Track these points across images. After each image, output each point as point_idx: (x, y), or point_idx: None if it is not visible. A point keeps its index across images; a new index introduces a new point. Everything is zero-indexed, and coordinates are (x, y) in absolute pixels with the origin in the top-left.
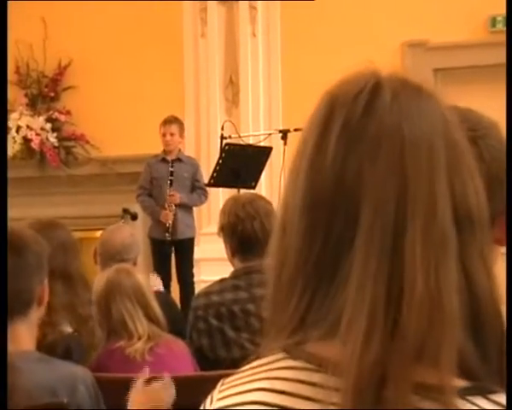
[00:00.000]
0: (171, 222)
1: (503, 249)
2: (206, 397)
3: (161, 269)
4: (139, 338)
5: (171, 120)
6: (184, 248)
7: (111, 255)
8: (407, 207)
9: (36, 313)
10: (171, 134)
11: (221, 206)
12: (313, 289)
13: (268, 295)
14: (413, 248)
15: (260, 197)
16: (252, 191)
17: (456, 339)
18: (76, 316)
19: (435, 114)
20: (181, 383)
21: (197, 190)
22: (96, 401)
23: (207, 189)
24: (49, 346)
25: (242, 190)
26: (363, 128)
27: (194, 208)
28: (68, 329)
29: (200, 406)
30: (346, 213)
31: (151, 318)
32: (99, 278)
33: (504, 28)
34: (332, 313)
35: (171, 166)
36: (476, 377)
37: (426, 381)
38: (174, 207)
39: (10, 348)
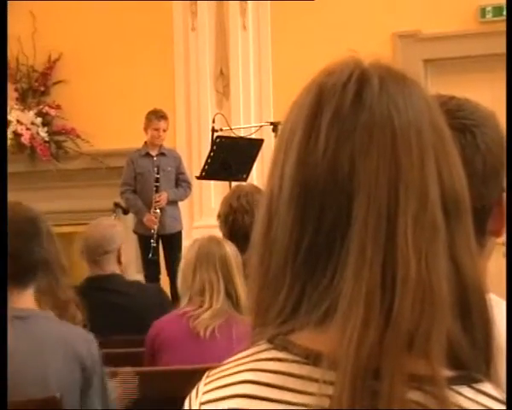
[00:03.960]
0: (155, 227)
1: (499, 240)
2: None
3: (150, 263)
4: (207, 309)
5: (164, 116)
6: (173, 242)
7: (93, 250)
8: (399, 195)
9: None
10: (164, 130)
11: (212, 198)
12: (304, 280)
13: (251, 286)
14: (405, 235)
15: (258, 191)
16: (255, 183)
17: (446, 326)
18: (56, 301)
19: (421, 101)
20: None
21: (181, 183)
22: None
23: (192, 181)
24: None
25: (234, 183)
26: (354, 117)
27: (185, 200)
28: (50, 314)
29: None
30: (338, 204)
31: (231, 295)
32: (189, 247)
33: (494, 19)
34: (325, 303)
35: (156, 163)
36: (464, 366)
37: (417, 372)
38: (158, 211)
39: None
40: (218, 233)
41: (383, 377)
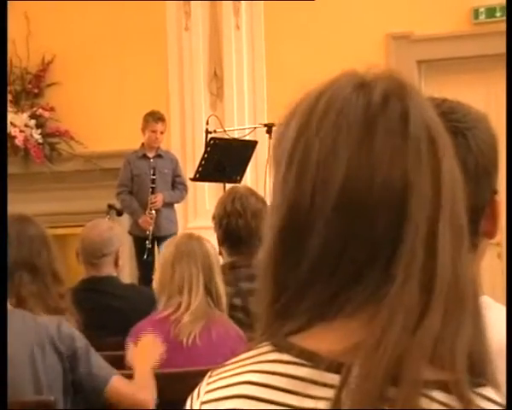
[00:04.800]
0: (151, 228)
1: (492, 241)
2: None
3: (145, 264)
4: (186, 309)
5: (162, 118)
6: None
7: (91, 252)
8: (441, 202)
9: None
10: (161, 132)
11: (207, 200)
12: (338, 286)
13: (263, 295)
14: (444, 242)
15: (253, 194)
16: (249, 186)
17: (469, 333)
18: (46, 307)
19: (423, 109)
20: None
21: (178, 185)
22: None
23: (190, 183)
24: None
25: (228, 185)
26: (403, 133)
27: (180, 203)
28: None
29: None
30: (391, 218)
31: (211, 293)
32: (167, 244)
33: (487, 20)
34: (369, 308)
35: (153, 164)
36: (473, 371)
37: (439, 378)
38: (154, 212)
39: None
40: (213, 234)
41: (402, 382)
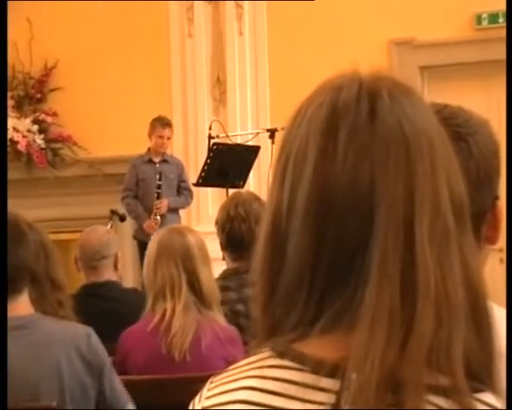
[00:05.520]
0: (155, 234)
1: (494, 246)
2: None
3: None
4: (172, 315)
5: (169, 124)
6: None
7: (91, 256)
8: (415, 204)
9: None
10: (168, 138)
11: (210, 206)
12: (321, 294)
13: (257, 298)
14: (423, 244)
15: (256, 199)
16: (251, 190)
17: (463, 335)
18: (44, 312)
19: (426, 110)
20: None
21: (183, 191)
22: (103, 351)
23: (194, 189)
24: None
25: (231, 190)
26: (370, 131)
27: (185, 208)
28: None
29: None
30: (360, 218)
31: (195, 290)
32: (152, 240)
33: (490, 25)
34: (346, 315)
35: (158, 169)
36: (473, 374)
37: (439, 383)
38: (159, 217)
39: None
40: (216, 240)
41: (403, 389)
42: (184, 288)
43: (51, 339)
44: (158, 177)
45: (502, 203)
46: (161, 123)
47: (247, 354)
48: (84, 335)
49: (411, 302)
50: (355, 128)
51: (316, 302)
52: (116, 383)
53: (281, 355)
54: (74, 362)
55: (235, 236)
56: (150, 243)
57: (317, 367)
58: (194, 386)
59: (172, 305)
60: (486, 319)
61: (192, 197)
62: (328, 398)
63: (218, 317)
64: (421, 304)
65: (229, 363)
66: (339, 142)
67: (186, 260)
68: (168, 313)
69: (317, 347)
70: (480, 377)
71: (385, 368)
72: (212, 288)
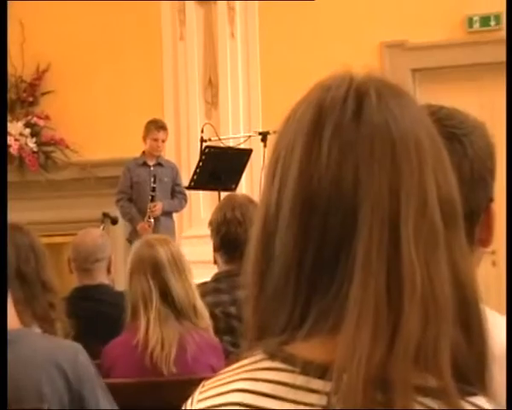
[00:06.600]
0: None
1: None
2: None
3: None
4: (146, 332)
5: (164, 127)
6: None
7: (85, 258)
8: (401, 203)
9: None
10: (163, 141)
11: (202, 209)
12: (308, 294)
13: (248, 299)
14: (408, 243)
15: (251, 202)
16: (248, 194)
17: (450, 335)
18: (34, 316)
19: (416, 111)
20: (163, 387)
21: (177, 194)
22: (95, 372)
23: (187, 192)
24: None
25: (223, 193)
26: (355, 130)
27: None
28: (36, 329)
29: (180, 408)
30: (344, 216)
31: (168, 300)
32: (131, 251)
33: (481, 28)
34: (332, 315)
35: (153, 172)
36: (463, 376)
37: (427, 384)
38: (153, 220)
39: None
40: (208, 243)
41: (392, 388)
42: (156, 301)
43: (35, 358)
44: (152, 179)
45: (495, 205)
46: (156, 126)
47: (234, 360)
48: (70, 354)
49: (398, 300)
50: (340, 126)
51: (302, 301)
52: (102, 405)
53: (272, 357)
54: (57, 383)
55: (230, 238)
56: (130, 252)
57: (306, 369)
58: (182, 389)
59: (146, 319)
60: (477, 320)
61: (186, 201)
62: (319, 399)
63: (200, 325)
64: (407, 302)
65: (216, 371)
66: (323, 140)
67: (156, 273)
68: (143, 327)
69: (307, 347)
70: (469, 379)
71: (372, 367)
72: (187, 297)
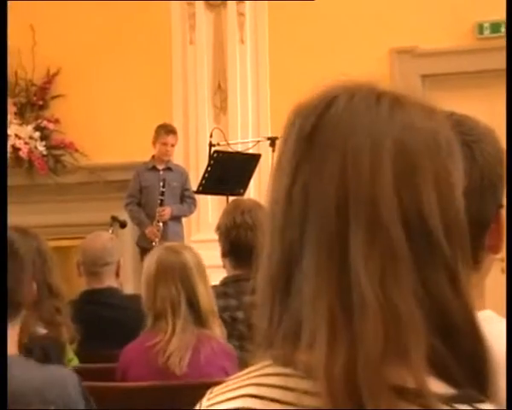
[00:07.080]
0: (157, 240)
1: (497, 256)
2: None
3: None
4: (171, 335)
5: (174, 131)
6: None
7: (94, 261)
8: (349, 216)
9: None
10: (172, 145)
11: (210, 213)
12: (276, 301)
13: (257, 305)
14: (356, 257)
15: (260, 207)
16: (256, 199)
17: (423, 345)
18: (40, 319)
19: (390, 122)
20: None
21: (186, 199)
22: (88, 404)
23: (196, 197)
24: (25, 348)
25: (231, 198)
26: (312, 140)
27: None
28: (41, 330)
29: None
30: (295, 227)
31: (194, 309)
32: (149, 258)
33: (491, 35)
34: (294, 324)
35: (162, 177)
36: (458, 384)
37: (404, 384)
38: (161, 224)
39: None
40: (216, 248)
41: (364, 391)
42: (184, 307)
43: (26, 389)
44: (161, 184)
45: (504, 211)
46: (165, 130)
47: (245, 366)
48: (59, 388)
49: (352, 313)
50: (300, 135)
51: (277, 314)
52: None
53: (278, 363)
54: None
55: (240, 243)
56: (147, 261)
57: (308, 373)
58: (193, 394)
59: (173, 325)
60: (467, 336)
61: (195, 206)
62: (323, 403)
63: (216, 331)
64: (358, 316)
65: (229, 375)
66: (286, 150)
67: (185, 280)
68: (169, 333)
69: (311, 352)
70: (459, 383)
71: (336, 375)
72: (209, 302)
